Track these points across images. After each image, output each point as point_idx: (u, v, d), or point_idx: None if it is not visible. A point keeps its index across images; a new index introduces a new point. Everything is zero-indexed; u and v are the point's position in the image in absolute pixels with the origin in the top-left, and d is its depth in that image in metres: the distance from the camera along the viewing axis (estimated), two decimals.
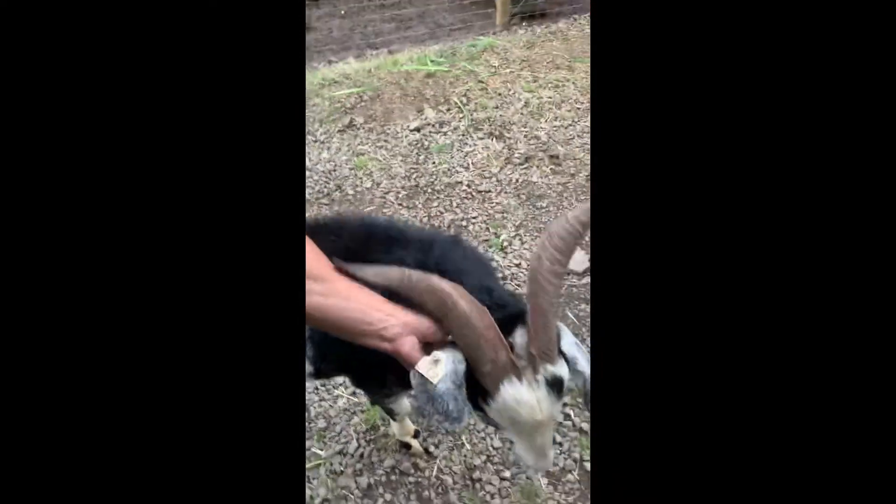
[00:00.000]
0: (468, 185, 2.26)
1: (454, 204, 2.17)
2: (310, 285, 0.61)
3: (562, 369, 0.66)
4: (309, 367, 0.97)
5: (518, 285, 1.88)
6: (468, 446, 1.45)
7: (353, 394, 1.58)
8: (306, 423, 1.51)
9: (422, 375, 0.65)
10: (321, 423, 1.51)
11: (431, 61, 3.12)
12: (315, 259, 0.64)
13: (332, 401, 1.56)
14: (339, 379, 1.61)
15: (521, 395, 0.65)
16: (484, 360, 0.65)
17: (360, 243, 0.87)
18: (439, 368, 0.65)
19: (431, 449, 1.43)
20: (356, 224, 0.93)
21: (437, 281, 0.66)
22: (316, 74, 3.13)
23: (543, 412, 0.65)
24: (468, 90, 2.87)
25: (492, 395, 0.66)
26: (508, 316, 0.70)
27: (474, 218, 2.10)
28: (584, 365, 0.70)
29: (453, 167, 2.36)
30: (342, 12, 4.34)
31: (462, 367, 0.67)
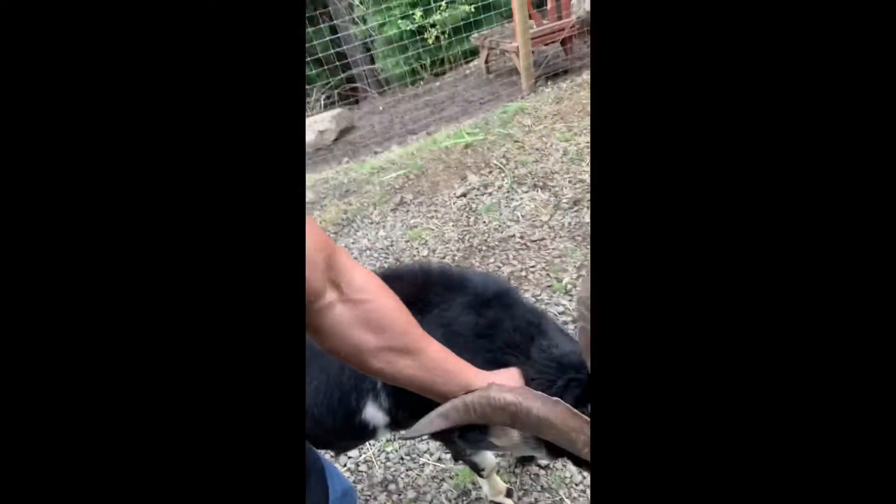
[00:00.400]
0: (521, 237, 2.28)
1: (510, 257, 2.18)
2: (402, 360, 0.57)
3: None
4: (385, 418, 0.97)
5: None
6: (567, 501, 1.35)
7: (439, 460, 1.54)
8: (396, 496, 1.48)
9: None
10: (411, 494, 1.47)
11: (467, 133, 3.29)
12: (406, 327, 0.58)
13: (418, 469, 1.53)
14: (423, 446, 1.58)
15: None
16: (578, 446, 0.58)
17: (418, 289, 0.90)
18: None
19: None
20: (414, 271, 0.97)
21: (495, 395, 0.59)
22: (364, 165, 3.38)
23: None
24: (506, 152, 2.97)
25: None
26: (577, 380, 0.67)
27: (532, 267, 2.10)
28: None
29: (503, 223, 2.41)
30: (381, 108, 4.74)
31: None
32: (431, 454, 1.56)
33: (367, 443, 1.63)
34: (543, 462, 1.44)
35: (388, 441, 1.62)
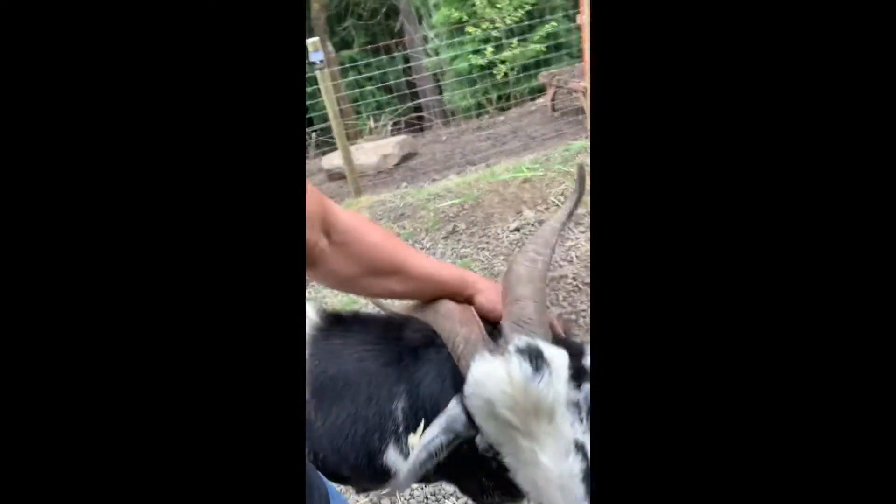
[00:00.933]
0: (573, 278, 2.19)
1: (560, 297, 2.10)
2: (387, 280, 0.68)
3: (550, 347, 0.58)
4: (406, 465, 0.92)
5: None
6: None
7: None
8: None
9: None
10: None
11: (527, 168, 3.26)
12: (389, 253, 0.68)
13: None
14: (450, 488, 1.50)
15: (490, 367, 0.59)
16: (458, 341, 0.64)
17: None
18: (412, 443, 0.68)
19: None
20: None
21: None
22: (422, 191, 3.41)
23: (515, 384, 0.55)
24: (564, 189, 2.91)
25: (466, 380, 0.61)
26: None
27: (583, 311, 2.00)
28: None
29: (556, 262, 2.33)
30: (443, 138, 4.82)
31: (427, 463, 0.66)
32: (458, 497, 1.47)
33: None
34: None
35: None
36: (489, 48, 5.64)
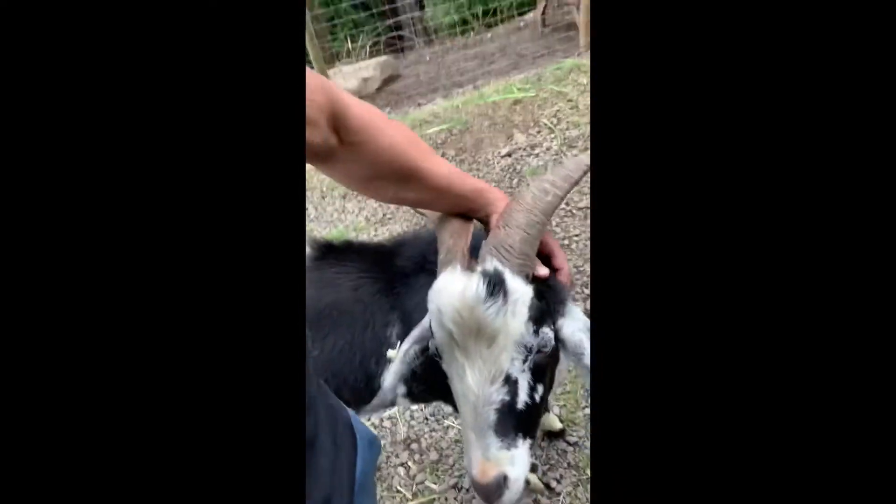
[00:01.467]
0: (566, 203, 2.16)
1: (553, 223, 2.08)
2: (401, 188, 0.63)
3: (515, 280, 0.58)
4: (402, 388, 0.93)
5: None
6: None
7: None
8: (418, 455, 1.46)
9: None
10: (433, 455, 1.45)
11: (517, 89, 3.12)
12: (402, 159, 0.62)
13: (442, 431, 1.50)
14: (449, 408, 1.55)
15: (451, 278, 0.59)
16: (442, 247, 0.64)
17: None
18: (389, 356, 0.70)
19: (553, 484, 1.30)
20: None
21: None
22: (407, 117, 3.27)
23: (464, 301, 0.56)
24: (558, 111, 2.81)
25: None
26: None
27: (577, 235, 1.99)
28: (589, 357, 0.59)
29: None
30: (427, 58, 4.56)
31: (403, 372, 0.70)
32: (456, 417, 1.53)
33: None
34: (572, 439, 1.39)
35: None
36: None
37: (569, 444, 1.38)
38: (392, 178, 0.62)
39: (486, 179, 2.46)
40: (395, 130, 0.61)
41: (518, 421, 0.59)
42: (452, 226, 0.67)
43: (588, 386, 0.63)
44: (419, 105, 3.52)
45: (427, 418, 1.55)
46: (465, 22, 5.36)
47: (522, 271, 0.59)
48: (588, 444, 1.37)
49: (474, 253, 0.64)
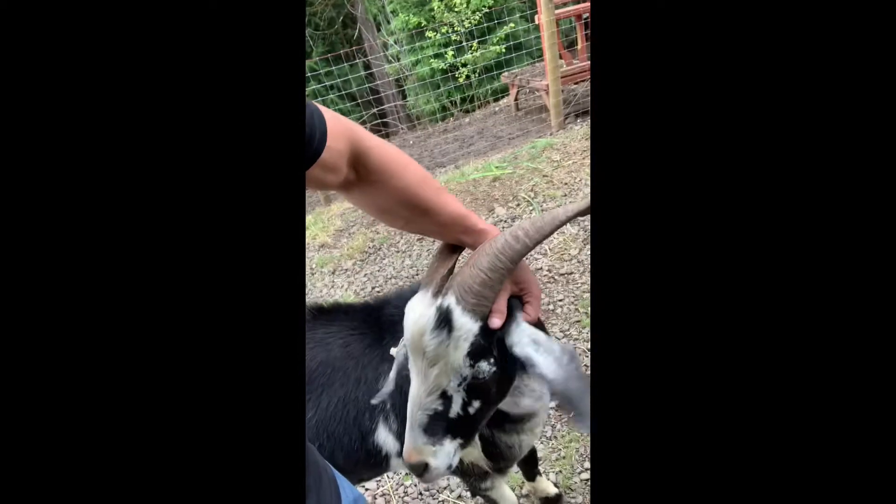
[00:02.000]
0: (549, 270, 2.24)
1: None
2: (415, 221, 0.70)
3: (463, 318, 0.63)
4: (395, 444, 0.94)
5: None
6: None
7: (460, 497, 1.47)
8: None
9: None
10: None
11: (496, 167, 3.31)
12: (416, 198, 0.68)
13: None
14: (443, 482, 1.52)
15: (418, 302, 0.67)
16: (429, 269, 0.72)
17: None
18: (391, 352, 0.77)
19: None
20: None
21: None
22: None
23: (416, 326, 0.65)
24: (535, 185, 2.98)
25: None
26: None
27: (560, 300, 2.05)
28: (548, 370, 0.62)
29: (531, 255, 2.38)
30: (410, 142, 4.84)
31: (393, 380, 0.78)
32: (451, 490, 1.49)
33: (384, 475, 1.57)
34: None
35: (407, 475, 1.56)
36: (449, 52, 5.70)
37: None
38: (404, 213, 0.69)
39: (470, 252, 2.55)
40: (412, 172, 0.67)
41: (448, 425, 0.68)
42: (443, 252, 0.74)
43: (583, 449, 0.66)
44: None
45: (421, 493, 1.51)
46: (444, 109, 5.74)
47: (476, 310, 0.64)
48: None
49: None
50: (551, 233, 0.66)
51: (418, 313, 0.66)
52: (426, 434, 0.67)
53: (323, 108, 0.58)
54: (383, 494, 1.53)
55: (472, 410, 0.68)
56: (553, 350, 0.64)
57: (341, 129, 0.59)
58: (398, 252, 2.75)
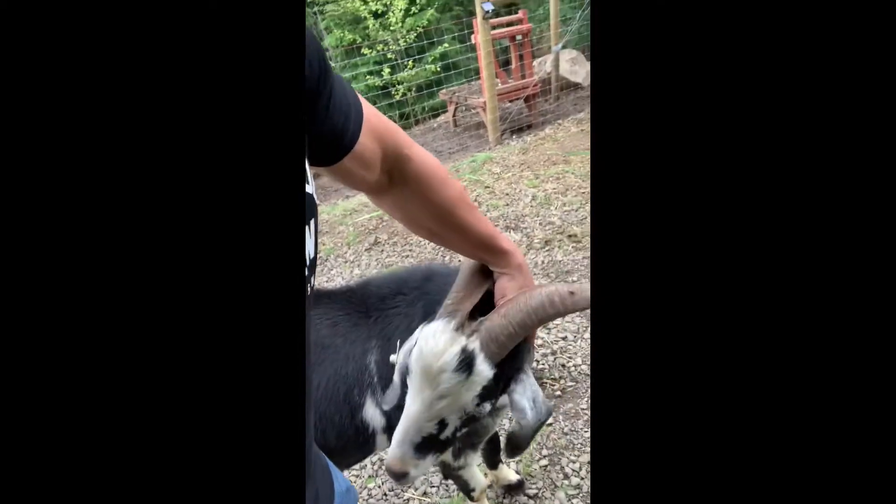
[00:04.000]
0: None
1: None
2: (439, 235, 0.69)
3: (483, 365, 0.65)
4: (382, 421, 0.97)
5: (569, 358, 1.86)
6: None
7: (425, 494, 1.49)
8: None
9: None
10: None
11: None
12: (442, 213, 0.67)
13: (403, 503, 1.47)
14: (410, 492, 1.53)
15: (440, 332, 0.66)
16: (455, 292, 0.70)
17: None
18: (392, 361, 0.74)
19: None
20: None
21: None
22: (336, 208, 3.40)
23: (437, 359, 0.65)
24: (477, 196, 3.09)
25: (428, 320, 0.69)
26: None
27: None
28: (529, 420, 0.68)
29: (530, 256, 2.46)
30: None
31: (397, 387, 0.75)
32: (416, 489, 1.51)
33: (349, 474, 1.56)
34: (531, 491, 1.42)
35: (370, 477, 1.56)
36: (386, 69, 5.78)
37: (528, 496, 1.42)
38: (434, 226, 0.68)
39: (419, 258, 2.60)
40: (450, 188, 0.66)
41: (435, 445, 0.71)
42: (473, 278, 0.72)
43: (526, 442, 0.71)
44: (347, 197, 3.68)
45: (386, 494, 1.51)
46: None
47: (494, 359, 0.67)
48: (548, 495, 1.41)
49: (473, 314, 0.71)
50: (583, 309, 0.69)
51: (441, 348, 0.65)
52: (415, 451, 0.69)
53: (366, 104, 0.57)
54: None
55: (459, 434, 0.72)
56: (541, 411, 0.68)
57: (381, 128, 0.59)
58: (346, 262, 2.73)
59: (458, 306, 0.70)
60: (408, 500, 1.49)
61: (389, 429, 0.98)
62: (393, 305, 0.96)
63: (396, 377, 0.77)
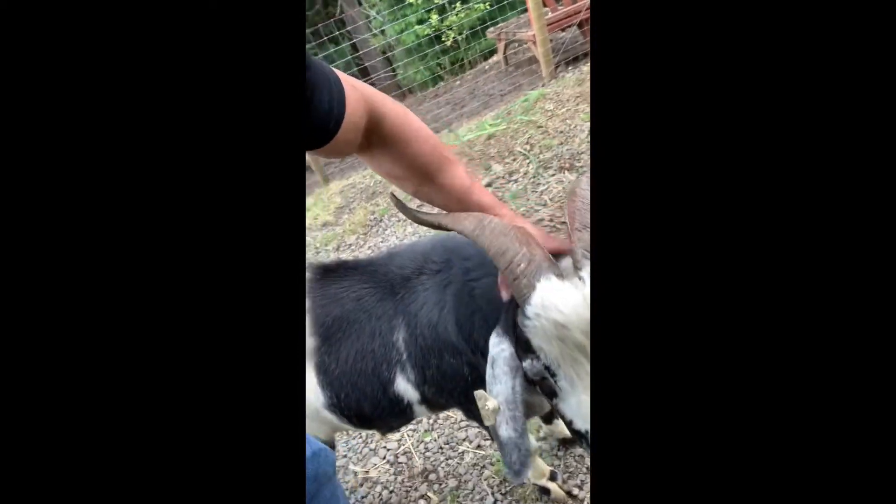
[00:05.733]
0: (550, 220, 2.22)
1: None
2: (425, 189, 0.70)
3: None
4: (415, 393, 0.95)
5: None
6: None
7: (479, 447, 1.49)
8: (437, 485, 1.44)
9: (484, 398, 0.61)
10: (452, 483, 1.43)
11: (490, 125, 3.25)
12: (424, 165, 0.68)
13: (458, 458, 1.48)
14: (462, 434, 1.54)
15: (563, 290, 0.54)
16: (517, 259, 0.57)
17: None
18: (492, 409, 0.61)
19: (575, 491, 1.28)
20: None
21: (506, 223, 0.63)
22: None
23: (582, 322, 0.53)
24: (530, 138, 2.92)
25: (528, 299, 0.56)
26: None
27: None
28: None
29: (532, 208, 2.35)
30: None
31: (520, 415, 0.61)
32: (471, 441, 1.51)
33: (406, 430, 1.60)
34: None
35: (426, 431, 1.59)
36: (433, 16, 5.55)
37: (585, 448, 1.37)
38: (413, 180, 0.70)
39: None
40: (423, 141, 0.67)
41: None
42: (508, 232, 0.61)
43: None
44: None
45: (442, 447, 1.53)
46: (434, 75, 5.63)
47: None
48: None
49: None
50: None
51: (579, 295, 0.54)
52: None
53: (343, 77, 0.58)
54: (405, 453, 1.56)
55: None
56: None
57: (360, 102, 0.60)
58: (399, 221, 2.73)
59: (534, 263, 0.58)
60: (462, 452, 1.50)
61: (425, 401, 0.97)
62: (418, 283, 0.92)
63: (506, 372, 0.64)
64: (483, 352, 0.75)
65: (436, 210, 0.76)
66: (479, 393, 0.63)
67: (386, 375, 0.95)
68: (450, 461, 1.49)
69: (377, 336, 0.95)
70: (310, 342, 0.99)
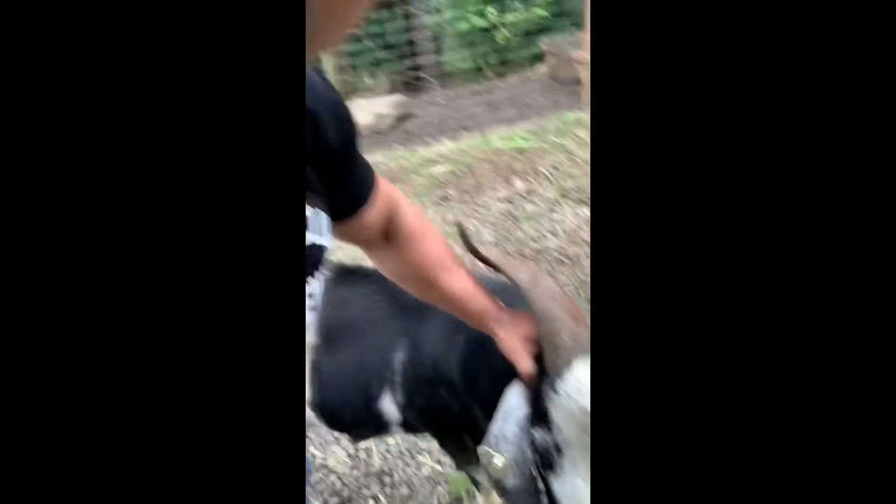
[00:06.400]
0: (558, 251, 2.23)
1: (541, 269, 2.14)
2: (427, 291, 0.71)
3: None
4: (398, 416, 0.97)
5: None
6: None
7: (438, 461, 1.53)
8: (389, 489, 1.48)
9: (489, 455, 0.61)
10: (404, 490, 1.47)
11: (521, 138, 3.24)
12: (429, 269, 0.70)
13: (416, 467, 1.52)
14: (425, 444, 1.58)
15: (584, 378, 0.55)
16: (564, 332, 0.58)
17: None
18: (501, 466, 0.60)
19: None
20: None
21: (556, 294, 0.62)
22: (414, 155, 3.39)
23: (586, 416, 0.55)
24: (557, 162, 2.92)
25: (561, 373, 0.57)
26: None
27: (564, 284, 2.05)
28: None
29: (542, 233, 2.36)
30: (440, 100, 4.74)
31: (529, 457, 0.61)
32: (431, 454, 1.55)
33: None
34: None
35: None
36: (492, 9, 5.48)
37: None
38: (418, 283, 0.71)
39: (483, 222, 2.54)
40: (430, 243, 0.69)
41: None
42: (559, 300, 0.60)
43: None
44: (427, 143, 3.65)
45: (402, 453, 1.57)
46: (479, 70, 5.58)
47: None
48: None
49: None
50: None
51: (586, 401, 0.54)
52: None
53: (376, 175, 0.62)
54: (366, 449, 1.60)
55: None
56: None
57: (387, 196, 0.64)
58: None
59: (577, 342, 0.58)
60: (421, 464, 1.53)
61: (405, 424, 0.98)
62: (434, 313, 0.89)
63: (515, 432, 0.63)
64: (481, 398, 0.75)
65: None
66: (482, 449, 0.63)
67: (374, 391, 0.96)
68: (407, 469, 1.52)
69: (376, 351, 0.95)
70: (309, 339, 1.00)
